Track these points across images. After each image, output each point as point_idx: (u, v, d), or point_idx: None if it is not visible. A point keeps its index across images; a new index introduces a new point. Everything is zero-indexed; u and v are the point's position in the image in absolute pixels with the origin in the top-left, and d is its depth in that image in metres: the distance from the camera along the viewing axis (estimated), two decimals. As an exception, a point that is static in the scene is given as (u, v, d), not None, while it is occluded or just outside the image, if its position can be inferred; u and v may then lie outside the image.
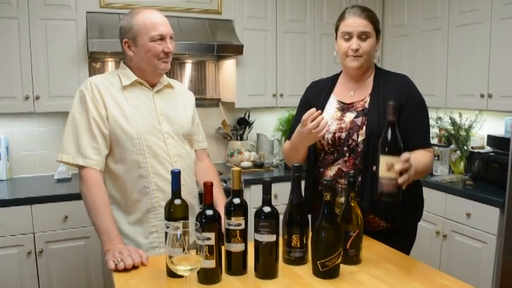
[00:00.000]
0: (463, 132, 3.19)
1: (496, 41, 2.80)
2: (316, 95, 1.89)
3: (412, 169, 1.38)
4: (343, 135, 1.72)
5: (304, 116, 1.58)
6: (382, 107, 1.68)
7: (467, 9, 2.99)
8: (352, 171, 1.46)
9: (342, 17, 1.76)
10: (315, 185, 1.82)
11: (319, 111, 1.61)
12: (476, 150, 3.08)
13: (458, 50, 3.08)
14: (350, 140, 1.71)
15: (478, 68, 2.93)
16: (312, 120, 1.57)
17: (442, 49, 3.20)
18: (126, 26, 1.70)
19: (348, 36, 1.72)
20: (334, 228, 1.34)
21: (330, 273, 1.35)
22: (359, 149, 1.70)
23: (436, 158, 3.22)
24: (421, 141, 1.70)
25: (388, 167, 1.34)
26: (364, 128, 1.69)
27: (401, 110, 1.68)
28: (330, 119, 1.77)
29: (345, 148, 1.73)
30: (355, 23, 1.70)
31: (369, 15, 1.72)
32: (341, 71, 1.89)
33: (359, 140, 1.69)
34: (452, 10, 3.11)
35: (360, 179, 1.68)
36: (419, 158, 1.59)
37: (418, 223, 1.84)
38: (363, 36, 1.70)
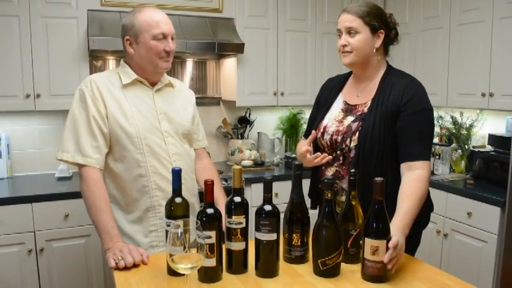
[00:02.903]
0: (464, 131, 3.19)
1: (497, 39, 2.80)
2: (327, 93, 1.88)
3: (402, 251, 1.34)
4: (339, 138, 1.70)
5: (303, 150, 1.68)
6: (379, 114, 1.64)
7: (468, 8, 2.99)
8: (353, 170, 1.45)
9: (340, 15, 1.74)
10: (317, 182, 1.82)
11: (321, 155, 1.64)
12: (477, 149, 3.08)
13: (460, 49, 3.07)
14: (344, 145, 1.69)
15: (479, 66, 2.93)
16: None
17: (444, 48, 3.19)
18: (129, 23, 1.69)
19: (339, 33, 1.71)
20: (335, 226, 1.34)
21: (331, 271, 1.35)
22: (351, 155, 1.67)
23: (437, 157, 3.21)
24: (413, 152, 1.58)
25: (372, 250, 1.29)
26: (357, 134, 1.65)
27: (397, 117, 1.62)
28: (331, 120, 1.77)
29: (338, 152, 1.71)
30: (343, 19, 1.69)
31: (359, 10, 1.66)
32: None
33: (351, 146, 1.67)
34: (453, 9, 3.10)
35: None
36: (407, 210, 1.47)
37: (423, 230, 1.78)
38: (350, 31, 1.66)
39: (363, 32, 1.66)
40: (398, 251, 1.31)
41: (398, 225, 1.40)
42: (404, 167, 1.60)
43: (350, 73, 1.87)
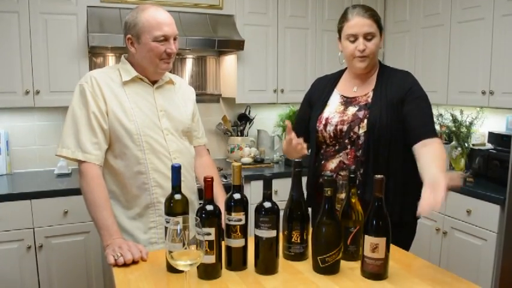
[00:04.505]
0: (464, 129, 3.18)
1: (497, 37, 2.79)
2: (320, 91, 1.91)
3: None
4: (345, 127, 1.74)
5: (287, 138, 1.68)
6: (384, 102, 1.70)
7: (469, 6, 2.98)
8: (353, 167, 1.45)
9: (344, 18, 1.75)
10: (316, 177, 1.83)
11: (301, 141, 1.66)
12: (477, 147, 3.08)
13: (460, 47, 3.07)
14: (351, 133, 1.72)
15: (479, 64, 2.92)
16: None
17: (444, 45, 3.19)
18: (131, 22, 1.68)
19: (354, 38, 1.72)
20: (335, 223, 1.34)
21: (330, 269, 1.35)
22: (360, 142, 1.71)
23: (437, 154, 3.21)
24: (426, 130, 1.66)
25: (372, 247, 1.29)
26: (366, 120, 1.70)
27: (403, 103, 1.70)
28: (332, 112, 1.80)
29: (346, 140, 1.74)
30: (360, 23, 1.70)
31: (372, 14, 1.72)
32: (346, 68, 1.90)
33: (360, 133, 1.71)
34: (454, 6, 3.10)
35: (361, 171, 1.70)
36: (438, 158, 1.55)
37: (418, 219, 1.83)
38: (368, 36, 1.71)
39: (377, 36, 1.74)
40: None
41: (438, 169, 1.45)
42: (419, 145, 1.63)
43: (341, 71, 1.92)
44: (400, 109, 1.70)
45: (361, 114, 1.73)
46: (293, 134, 1.68)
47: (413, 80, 1.77)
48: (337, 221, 1.35)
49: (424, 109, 1.70)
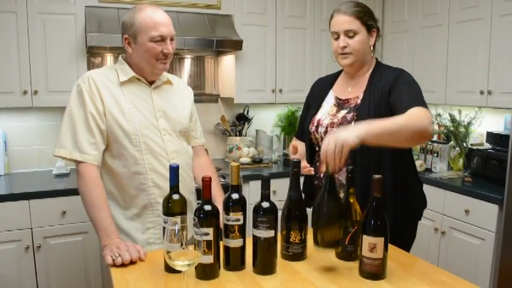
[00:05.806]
0: (462, 129, 3.19)
1: (496, 37, 2.80)
2: (317, 92, 1.90)
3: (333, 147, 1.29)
4: (334, 130, 1.71)
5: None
6: (373, 103, 1.66)
7: (467, 6, 2.98)
8: (351, 167, 1.45)
9: (331, 16, 1.75)
10: (311, 179, 1.82)
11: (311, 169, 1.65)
12: (475, 147, 3.08)
13: (459, 47, 3.07)
14: None
15: (478, 64, 2.93)
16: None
17: (442, 45, 3.19)
18: (128, 21, 1.67)
19: (336, 36, 1.72)
20: (335, 199, 1.33)
21: (331, 245, 1.33)
22: None
23: (435, 154, 3.22)
24: (412, 103, 1.52)
25: (370, 247, 1.30)
26: (353, 123, 1.67)
27: (390, 94, 1.63)
28: (325, 114, 1.79)
29: None
30: (339, 21, 1.69)
31: (355, 10, 1.68)
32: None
33: None
34: (452, 6, 3.10)
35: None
36: (399, 117, 1.44)
37: (419, 221, 1.81)
38: (349, 33, 1.68)
39: (361, 33, 1.70)
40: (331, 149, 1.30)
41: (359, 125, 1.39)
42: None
43: (340, 71, 1.90)
44: (388, 104, 1.63)
45: (349, 116, 1.70)
46: (296, 156, 1.69)
47: (404, 72, 1.70)
48: (337, 197, 1.35)
49: (411, 89, 1.61)
